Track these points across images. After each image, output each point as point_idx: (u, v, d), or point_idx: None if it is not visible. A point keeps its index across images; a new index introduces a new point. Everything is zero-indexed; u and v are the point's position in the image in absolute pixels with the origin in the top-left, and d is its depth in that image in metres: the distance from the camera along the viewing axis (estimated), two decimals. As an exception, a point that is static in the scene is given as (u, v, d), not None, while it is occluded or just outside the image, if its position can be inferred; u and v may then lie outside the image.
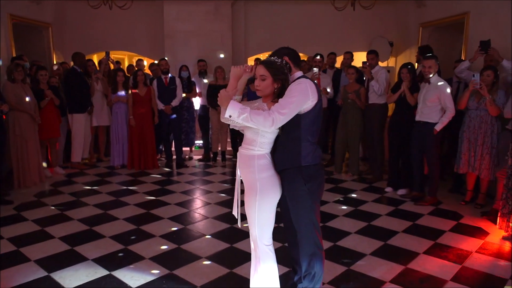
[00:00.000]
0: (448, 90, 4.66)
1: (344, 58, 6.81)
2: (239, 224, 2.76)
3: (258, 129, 2.43)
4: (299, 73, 2.60)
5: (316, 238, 2.61)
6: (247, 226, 2.70)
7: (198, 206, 4.94)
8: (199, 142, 7.70)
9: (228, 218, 4.50)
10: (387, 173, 5.97)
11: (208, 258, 3.57)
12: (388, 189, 5.50)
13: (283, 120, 2.36)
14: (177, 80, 6.68)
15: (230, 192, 5.45)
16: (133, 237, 4.00)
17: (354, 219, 4.51)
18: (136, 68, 7.68)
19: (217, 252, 3.69)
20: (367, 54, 5.86)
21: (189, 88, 7.03)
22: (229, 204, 4.96)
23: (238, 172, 2.64)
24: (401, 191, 5.31)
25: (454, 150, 5.42)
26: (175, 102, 6.60)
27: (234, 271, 3.36)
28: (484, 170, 4.66)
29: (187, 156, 7.37)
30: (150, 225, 4.32)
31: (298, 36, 8.35)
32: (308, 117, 2.45)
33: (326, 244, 3.76)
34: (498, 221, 4.08)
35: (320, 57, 6.30)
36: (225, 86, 6.46)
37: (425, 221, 4.46)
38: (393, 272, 3.34)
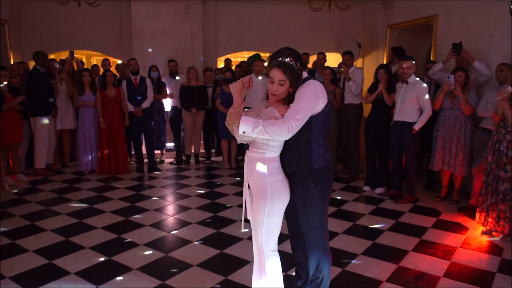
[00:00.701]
0: (426, 90, 4.79)
1: (317, 59, 6.86)
2: (242, 230, 2.66)
3: None
4: (304, 74, 2.54)
5: (325, 241, 2.56)
6: (240, 232, 2.62)
7: (179, 211, 4.76)
8: (170, 144, 7.48)
9: (213, 223, 4.38)
10: (362, 172, 6.08)
11: (200, 266, 3.44)
12: (366, 188, 5.58)
13: (298, 125, 2.28)
14: (148, 81, 6.44)
15: (210, 196, 5.32)
16: (115, 247, 3.78)
17: (339, 219, 4.53)
18: (102, 69, 7.36)
19: (209, 259, 3.56)
20: (343, 55, 5.93)
21: (159, 89, 6.81)
22: (211, 208, 4.83)
23: (246, 176, 2.53)
24: (379, 190, 5.41)
25: (426, 148, 5.61)
26: (146, 104, 6.36)
27: (229, 278, 3.25)
28: (458, 167, 4.83)
29: (158, 159, 7.14)
30: (132, 233, 4.11)
31: (268, 36, 8.35)
32: (319, 119, 2.40)
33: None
34: (477, 216, 4.22)
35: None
36: (198, 87, 6.50)
37: (407, 219, 4.55)
38: (387, 271, 3.36)
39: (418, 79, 4.92)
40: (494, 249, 3.78)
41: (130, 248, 3.75)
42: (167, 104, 7.16)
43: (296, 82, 2.37)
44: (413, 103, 4.83)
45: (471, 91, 4.78)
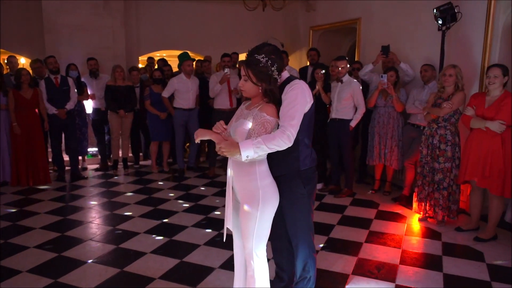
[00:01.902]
0: (360, 88, 5.06)
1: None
2: (224, 239, 2.52)
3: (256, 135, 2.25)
4: (285, 74, 2.48)
5: (311, 241, 2.56)
6: (218, 240, 2.51)
7: (121, 221, 4.39)
8: (92, 149, 6.90)
9: (163, 231, 4.13)
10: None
11: (163, 278, 3.20)
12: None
13: (296, 130, 2.23)
14: (70, 80, 5.86)
15: (150, 202, 5.00)
16: (59, 267, 3.35)
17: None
18: (8, 67, 6.55)
19: (170, 270, 3.33)
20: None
21: (80, 90, 6.23)
22: (155, 215, 4.55)
23: (230, 181, 2.40)
24: (318, 186, 5.58)
25: (356, 143, 5.93)
26: (70, 105, 5.78)
27: (198, 287, 3.08)
28: (394, 161, 5.19)
29: (80, 167, 6.53)
30: (74, 250, 3.68)
31: (191, 35, 8.15)
32: (305, 120, 2.36)
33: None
34: (414, 205, 4.57)
35: (228, 57, 6.21)
36: (125, 87, 6.10)
37: (351, 212, 4.76)
38: (349, 264, 3.48)
39: (352, 78, 5.18)
40: (433, 234, 4.12)
41: (77, 267, 3.36)
42: (89, 106, 6.59)
43: (261, 79, 2.28)
44: (348, 101, 5.07)
45: (401, 89, 5.16)
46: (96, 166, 6.68)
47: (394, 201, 5.08)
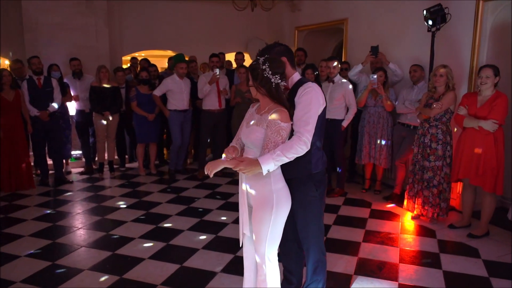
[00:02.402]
0: (351, 89, 5.10)
1: (236, 59, 6.80)
2: (240, 244, 2.48)
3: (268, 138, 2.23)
4: (297, 75, 2.45)
5: (322, 244, 2.55)
6: (239, 246, 2.47)
7: (114, 226, 4.27)
8: (76, 152, 6.71)
9: (159, 235, 4.04)
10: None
11: (165, 284, 3.13)
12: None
13: (311, 135, 2.23)
14: (54, 81, 5.66)
15: (141, 206, 4.90)
16: (53, 277, 3.23)
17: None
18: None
19: (171, 276, 3.26)
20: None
21: (63, 91, 6.03)
22: (149, 219, 4.45)
23: (243, 186, 2.36)
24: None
25: (345, 143, 5.97)
26: (52, 107, 5.58)
27: (204, 293, 3.03)
28: (384, 160, 5.25)
29: (63, 170, 6.33)
30: (68, 257, 3.56)
31: (175, 35, 8.03)
32: (318, 122, 2.33)
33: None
34: (405, 203, 4.64)
35: (216, 57, 6.15)
36: (111, 88, 5.97)
37: (346, 212, 4.79)
38: (351, 264, 3.49)
39: (343, 78, 5.21)
40: (427, 232, 4.19)
41: (74, 276, 3.24)
42: (72, 107, 6.39)
43: (261, 83, 2.25)
44: (340, 101, 5.10)
45: (390, 89, 5.23)
46: (81, 169, 6.49)
47: (386, 200, 5.14)
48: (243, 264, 2.58)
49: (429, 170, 4.30)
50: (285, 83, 2.33)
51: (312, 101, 2.26)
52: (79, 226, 4.27)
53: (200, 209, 4.79)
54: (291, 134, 2.27)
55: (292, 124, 2.26)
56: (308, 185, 2.40)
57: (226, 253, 3.64)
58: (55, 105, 5.59)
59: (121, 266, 3.41)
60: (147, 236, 4.02)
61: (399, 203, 4.94)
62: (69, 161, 6.61)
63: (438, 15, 4.49)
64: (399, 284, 3.17)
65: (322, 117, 2.39)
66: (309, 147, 2.21)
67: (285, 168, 2.35)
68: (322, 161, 2.46)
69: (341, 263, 3.49)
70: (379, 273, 3.34)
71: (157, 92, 5.96)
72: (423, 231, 4.22)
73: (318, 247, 2.52)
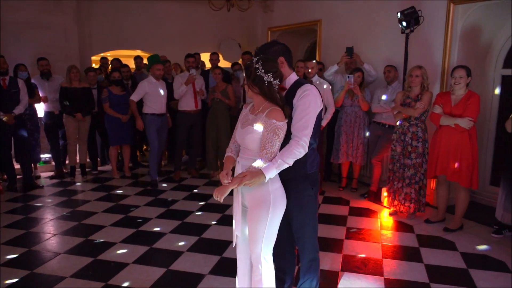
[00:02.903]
0: (329, 89, 5.18)
1: (211, 59, 6.74)
2: (234, 244, 2.46)
3: (264, 138, 2.22)
4: (294, 76, 2.43)
5: (316, 243, 2.57)
6: (232, 246, 2.45)
7: (93, 231, 4.13)
8: (45, 156, 6.45)
9: (143, 239, 3.95)
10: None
11: (153, 289, 3.07)
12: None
13: (309, 138, 2.25)
14: (20, 82, 5.40)
15: (119, 209, 4.77)
16: (36, 286, 3.09)
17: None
18: None
19: (159, 279, 3.19)
20: (242, 55, 5.99)
21: (31, 92, 5.78)
22: (130, 223, 4.34)
23: (239, 187, 2.32)
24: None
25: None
26: (19, 109, 5.32)
27: (194, 296, 2.99)
28: (359, 158, 5.37)
29: (32, 175, 6.06)
30: (46, 266, 3.41)
31: (146, 35, 7.86)
32: (315, 124, 2.35)
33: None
34: (385, 200, 4.75)
35: (192, 57, 6.07)
36: (82, 89, 5.83)
37: (325, 210, 4.85)
38: (337, 261, 3.54)
39: (321, 78, 5.29)
40: (406, 227, 4.32)
41: (56, 284, 3.11)
42: (40, 109, 6.14)
43: (254, 81, 2.25)
44: (318, 101, 5.16)
45: (366, 89, 5.35)
46: (50, 173, 6.24)
47: (363, 197, 5.25)
48: (237, 264, 2.56)
49: (411, 168, 4.41)
50: (278, 82, 2.32)
51: (311, 104, 2.27)
52: (55, 232, 4.11)
53: (180, 211, 4.72)
54: (288, 133, 2.27)
55: (288, 123, 2.27)
56: (304, 185, 2.41)
57: (212, 255, 3.61)
58: (21, 107, 5.32)
59: (105, 272, 3.31)
60: (128, 241, 3.92)
61: (376, 200, 5.07)
62: (38, 165, 6.35)
63: (412, 18, 4.64)
64: (385, 279, 3.25)
65: (318, 118, 2.39)
66: (306, 150, 2.24)
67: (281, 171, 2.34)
68: (316, 162, 2.48)
69: (327, 261, 3.53)
70: (364, 269, 3.41)
71: (135, 97, 5.62)
72: (402, 227, 4.34)
73: (313, 246, 2.54)
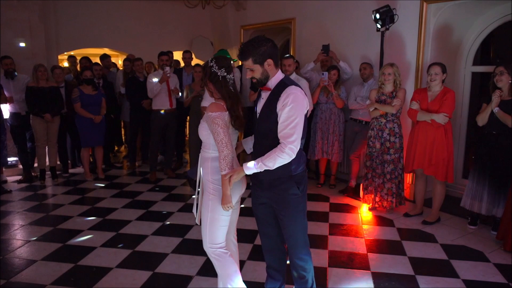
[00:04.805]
0: (308, 86, 5.20)
1: (184, 57, 6.63)
2: (197, 221, 2.62)
3: (210, 131, 2.40)
4: (279, 75, 2.37)
5: (307, 240, 2.57)
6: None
7: (70, 236, 3.97)
8: (12, 159, 6.14)
9: (122, 241, 3.83)
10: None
11: (141, 293, 2.98)
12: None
13: (297, 144, 2.26)
14: (-15, 83, 5.13)
15: (95, 213, 4.62)
16: (13, 295, 2.94)
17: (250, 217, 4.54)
18: None
19: (146, 283, 3.10)
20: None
21: (-5, 93, 5.50)
22: (109, 226, 4.20)
23: (199, 174, 2.58)
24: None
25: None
26: (-17, 111, 5.06)
27: (184, 298, 2.92)
28: (335, 155, 5.42)
29: (-1, 179, 5.78)
30: (24, 273, 3.24)
31: (114, 33, 7.66)
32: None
33: (247, 246, 3.72)
34: (365, 197, 4.82)
35: (166, 55, 5.95)
36: (50, 88, 5.65)
37: (309, 207, 4.85)
38: (322, 257, 3.57)
39: (299, 76, 5.30)
40: (386, 222, 4.41)
41: (35, 292, 2.97)
42: (5, 110, 5.83)
43: (210, 77, 2.43)
44: (296, 99, 5.18)
45: (342, 87, 5.41)
46: (18, 177, 5.95)
47: (342, 193, 5.32)
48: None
49: (390, 163, 4.50)
50: (232, 77, 2.46)
51: (296, 110, 2.22)
52: (30, 239, 3.91)
53: (164, 212, 4.62)
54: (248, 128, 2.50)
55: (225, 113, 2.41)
56: (289, 184, 2.39)
57: (198, 255, 3.54)
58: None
59: (87, 277, 3.18)
60: (109, 244, 3.79)
61: (355, 195, 5.15)
62: (3, 168, 6.04)
63: (387, 16, 4.73)
64: (372, 272, 3.30)
65: (304, 119, 2.36)
66: (295, 154, 2.25)
67: (265, 171, 2.33)
68: (303, 161, 2.46)
69: (314, 257, 3.43)
70: (352, 264, 3.45)
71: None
72: (382, 221, 4.43)
73: (304, 243, 2.53)
